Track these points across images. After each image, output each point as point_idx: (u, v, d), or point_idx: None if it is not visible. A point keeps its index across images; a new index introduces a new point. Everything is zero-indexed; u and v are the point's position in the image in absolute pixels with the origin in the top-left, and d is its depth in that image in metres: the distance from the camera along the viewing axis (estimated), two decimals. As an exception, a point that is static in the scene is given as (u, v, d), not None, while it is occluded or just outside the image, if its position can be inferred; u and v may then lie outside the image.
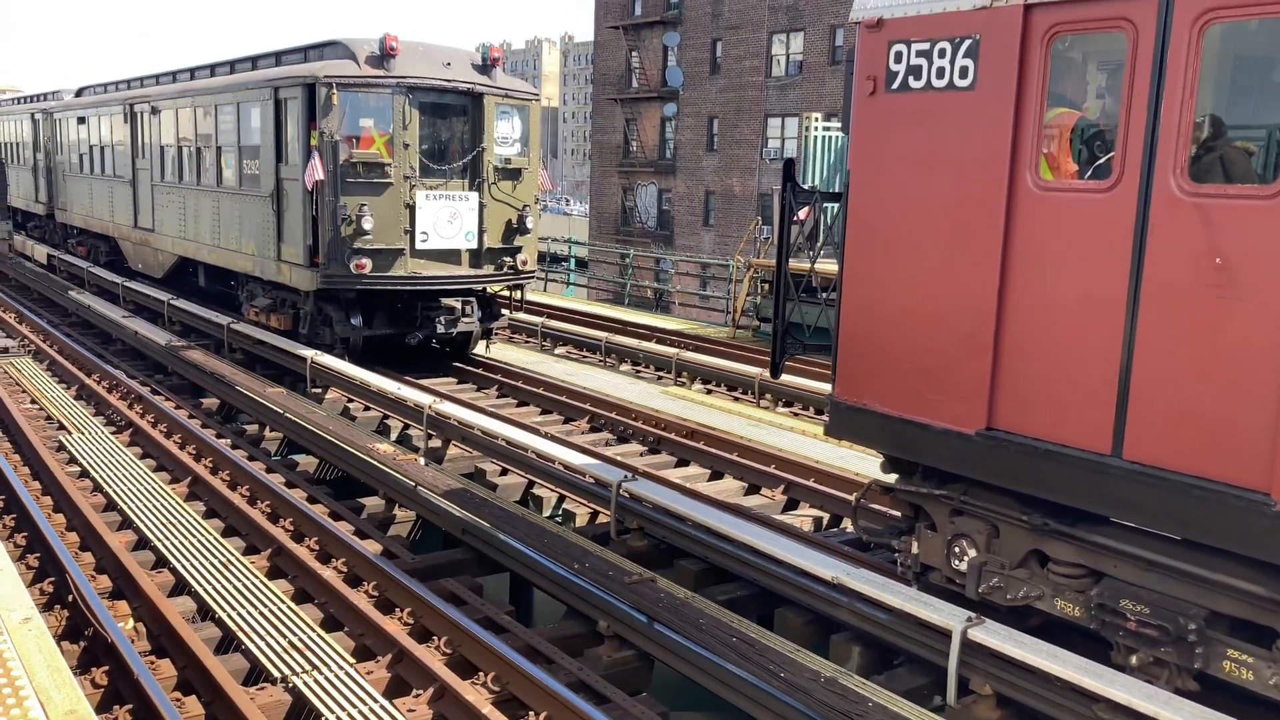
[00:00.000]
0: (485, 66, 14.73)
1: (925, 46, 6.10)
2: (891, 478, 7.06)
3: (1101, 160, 5.73)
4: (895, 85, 6.28)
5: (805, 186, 17.95)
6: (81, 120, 23.93)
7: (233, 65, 17.49)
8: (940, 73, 6.04)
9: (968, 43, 5.90)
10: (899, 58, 6.24)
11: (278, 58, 16.09)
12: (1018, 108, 5.73)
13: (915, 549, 6.91)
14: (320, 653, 6.37)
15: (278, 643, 6.48)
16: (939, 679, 6.27)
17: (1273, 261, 4.82)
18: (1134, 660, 5.68)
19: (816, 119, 22.54)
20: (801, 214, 8.34)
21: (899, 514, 7.28)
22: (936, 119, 6.10)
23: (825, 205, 9.26)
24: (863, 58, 6.47)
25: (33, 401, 13.01)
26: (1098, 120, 5.99)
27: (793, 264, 7.80)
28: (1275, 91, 6.00)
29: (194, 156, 17.70)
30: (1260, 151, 5.78)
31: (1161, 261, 5.23)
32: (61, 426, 11.82)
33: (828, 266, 10.66)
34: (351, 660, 6.35)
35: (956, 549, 6.59)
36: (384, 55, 13.81)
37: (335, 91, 13.45)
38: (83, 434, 11.40)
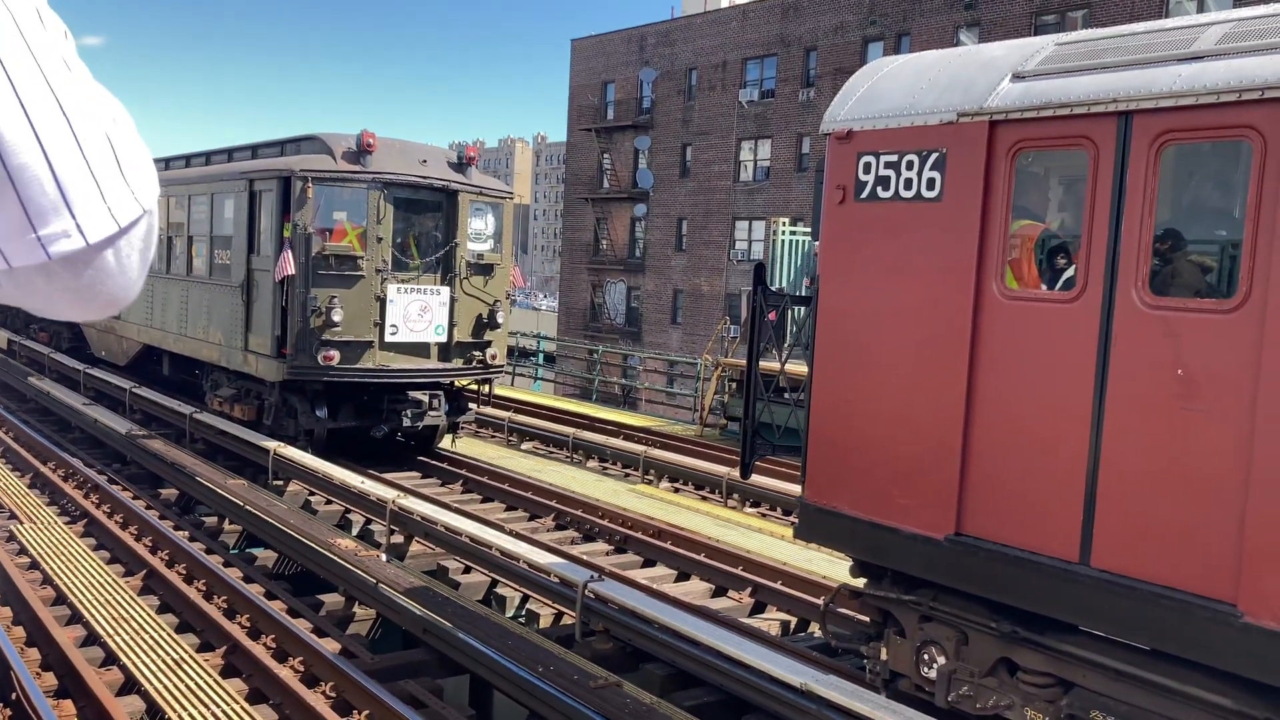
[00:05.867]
0: (461, 164, 14.96)
1: (893, 158, 6.28)
2: (860, 582, 7.01)
3: (1066, 271, 5.88)
4: (864, 195, 6.44)
5: (774, 289, 18.20)
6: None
7: (208, 157, 17.66)
8: (908, 184, 6.20)
9: (934, 156, 6.08)
10: (868, 168, 6.41)
11: (254, 150, 16.27)
12: (984, 219, 5.88)
13: (884, 655, 6.84)
14: (273, 757, 6.15)
15: (229, 746, 6.26)
16: (909, 791, 6.15)
17: (1233, 373, 4.93)
18: (1105, 773, 5.61)
19: (783, 223, 23.03)
20: (770, 316, 8.44)
21: (868, 619, 7.21)
22: (904, 228, 6.24)
23: (792, 307, 9.39)
24: (832, 167, 6.65)
25: (-15, 489, 12.71)
26: (1061, 232, 6.16)
27: (762, 364, 7.87)
28: (1229, 209, 6.21)
29: (164, 245, 17.70)
30: (1217, 266, 5.95)
31: (1125, 372, 5.33)
32: (13, 516, 11.52)
33: (796, 368, 10.75)
34: (305, 766, 6.14)
35: (926, 656, 6.54)
36: (361, 151, 13.99)
37: (310, 185, 13.57)
38: (35, 524, 11.11)
